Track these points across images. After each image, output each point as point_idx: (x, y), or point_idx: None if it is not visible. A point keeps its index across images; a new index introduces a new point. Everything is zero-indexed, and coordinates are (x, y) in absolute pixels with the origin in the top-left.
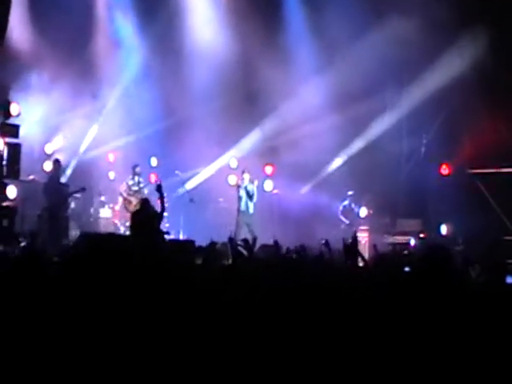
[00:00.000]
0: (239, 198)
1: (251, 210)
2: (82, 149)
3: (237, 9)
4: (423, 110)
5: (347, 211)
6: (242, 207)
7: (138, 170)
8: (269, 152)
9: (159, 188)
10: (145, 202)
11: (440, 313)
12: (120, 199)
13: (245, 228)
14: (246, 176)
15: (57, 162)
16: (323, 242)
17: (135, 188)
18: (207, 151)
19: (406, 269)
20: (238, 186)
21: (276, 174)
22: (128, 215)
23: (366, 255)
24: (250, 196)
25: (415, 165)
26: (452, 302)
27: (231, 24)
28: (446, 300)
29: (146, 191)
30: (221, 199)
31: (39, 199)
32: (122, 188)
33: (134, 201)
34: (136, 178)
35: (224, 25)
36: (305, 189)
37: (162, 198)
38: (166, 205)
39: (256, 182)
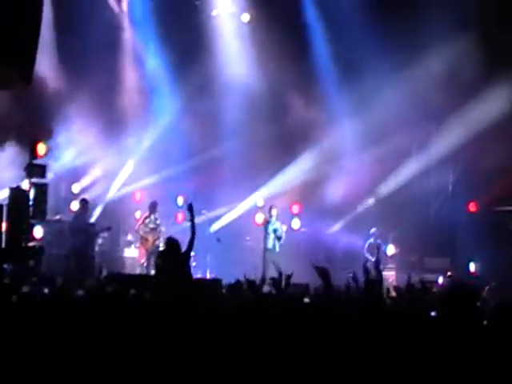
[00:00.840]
0: (267, 235)
1: (278, 249)
2: (113, 190)
3: (268, 48)
4: (451, 147)
5: (372, 248)
6: (269, 245)
7: (155, 207)
8: (296, 190)
9: (190, 208)
10: (171, 241)
11: (466, 355)
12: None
13: (271, 266)
14: (274, 212)
15: (84, 201)
16: (351, 274)
17: (152, 226)
18: (235, 190)
19: (433, 313)
20: (267, 222)
21: (303, 213)
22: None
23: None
24: (278, 237)
25: (443, 202)
26: (478, 344)
27: (262, 62)
28: (471, 342)
29: (163, 229)
30: (248, 238)
31: (66, 239)
32: (139, 226)
33: (151, 238)
34: (152, 216)
35: (255, 62)
36: (334, 228)
37: (192, 219)
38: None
39: (285, 227)
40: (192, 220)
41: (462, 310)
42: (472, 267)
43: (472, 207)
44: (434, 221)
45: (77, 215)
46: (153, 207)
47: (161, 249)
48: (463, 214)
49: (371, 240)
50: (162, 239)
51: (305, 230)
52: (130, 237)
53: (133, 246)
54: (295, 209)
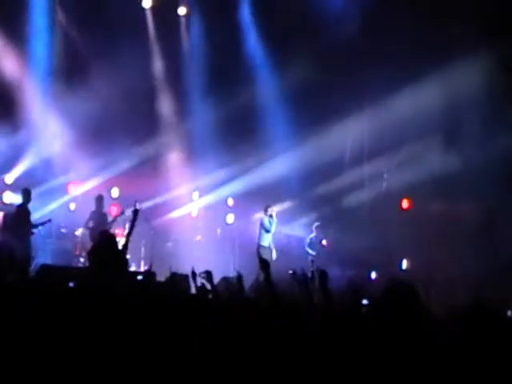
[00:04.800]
0: (266, 233)
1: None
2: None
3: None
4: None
5: (314, 243)
6: (266, 243)
7: (101, 200)
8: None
9: (136, 213)
10: (106, 233)
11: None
12: (80, 230)
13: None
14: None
15: (26, 191)
16: (291, 272)
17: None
18: (170, 180)
19: (365, 301)
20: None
21: (236, 206)
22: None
23: None
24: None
25: (376, 198)
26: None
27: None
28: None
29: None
30: (183, 231)
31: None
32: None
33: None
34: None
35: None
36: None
37: (133, 223)
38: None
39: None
40: (133, 224)
41: (405, 307)
42: (404, 264)
43: (404, 204)
44: (368, 215)
45: (18, 206)
46: (99, 201)
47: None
48: (396, 211)
49: (313, 235)
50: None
51: (238, 224)
52: (63, 230)
53: (67, 237)
54: (230, 202)
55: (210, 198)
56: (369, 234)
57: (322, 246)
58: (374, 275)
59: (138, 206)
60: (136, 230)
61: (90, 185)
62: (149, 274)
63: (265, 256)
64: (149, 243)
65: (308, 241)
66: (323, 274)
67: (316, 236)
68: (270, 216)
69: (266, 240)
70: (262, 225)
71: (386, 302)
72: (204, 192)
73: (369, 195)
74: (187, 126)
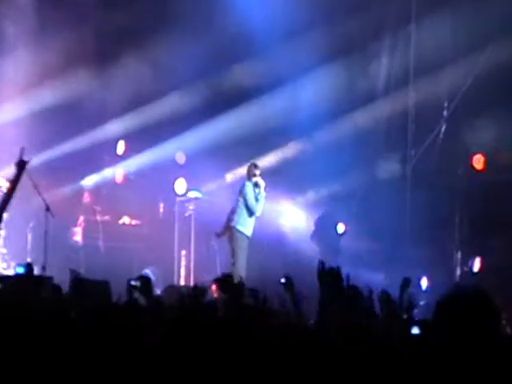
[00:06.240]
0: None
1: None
2: None
3: None
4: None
5: (324, 230)
6: (250, 231)
7: None
8: None
9: (22, 166)
10: None
11: None
12: None
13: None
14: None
15: None
16: (283, 280)
17: None
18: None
19: (415, 330)
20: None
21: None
22: None
23: None
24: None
25: (428, 153)
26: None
27: None
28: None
29: None
30: (98, 208)
31: None
32: None
33: None
34: None
35: None
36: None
37: (16, 181)
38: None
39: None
40: (16, 182)
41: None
42: (476, 264)
43: (477, 163)
44: (413, 185)
45: None
46: None
47: None
48: (464, 175)
49: (320, 217)
50: None
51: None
52: None
53: None
54: (180, 159)
55: (146, 154)
56: (415, 213)
57: (338, 234)
58: (425, 283)
59: (24, 157)
60: (18, 206)
61: None
62: (32, 278)
63: (241, 254)
64: (40, 228)
65: (314, 227)
66: (325, 275)
67: (327, 218)
68: (256, 185)
69: (247, 223)
70: (241, 194)
71: (442, 328)
72: (136, 142)
73: (414, 148)
74: None
